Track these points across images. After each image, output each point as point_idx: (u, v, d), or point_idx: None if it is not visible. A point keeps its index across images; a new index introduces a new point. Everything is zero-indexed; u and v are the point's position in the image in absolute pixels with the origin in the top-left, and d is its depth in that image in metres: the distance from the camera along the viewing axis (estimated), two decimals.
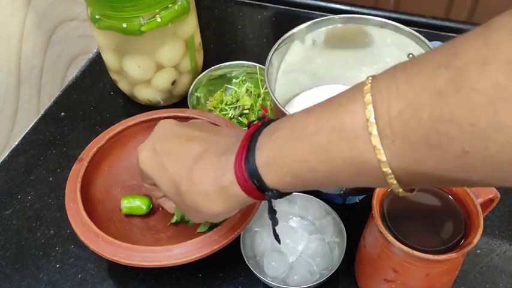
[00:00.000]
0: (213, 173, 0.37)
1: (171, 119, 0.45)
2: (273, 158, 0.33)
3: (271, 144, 0.34)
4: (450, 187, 0.30)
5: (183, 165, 0.39)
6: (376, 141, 0.27)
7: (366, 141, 0.28)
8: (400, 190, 0.30)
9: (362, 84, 0.29)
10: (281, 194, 0.35)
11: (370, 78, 0.29)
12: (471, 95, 0.23)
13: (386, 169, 0.28)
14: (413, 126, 0.26)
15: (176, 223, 0.58)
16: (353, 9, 0.87)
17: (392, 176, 0.28)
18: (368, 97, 0.27)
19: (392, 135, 0.27)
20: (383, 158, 0.27)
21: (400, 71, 0.27)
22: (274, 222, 0.39)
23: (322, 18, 0.59)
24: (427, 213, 0.47)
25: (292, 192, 0.37)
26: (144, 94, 0.72)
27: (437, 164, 0.26)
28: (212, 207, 0.38)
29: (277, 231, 0.41)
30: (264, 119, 0.37)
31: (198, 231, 0.55)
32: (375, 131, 0.27)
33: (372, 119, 0.27)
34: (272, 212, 0.38)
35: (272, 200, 0.36)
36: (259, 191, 0.35)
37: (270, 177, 0.34)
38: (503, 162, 0.24)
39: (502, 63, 0.23)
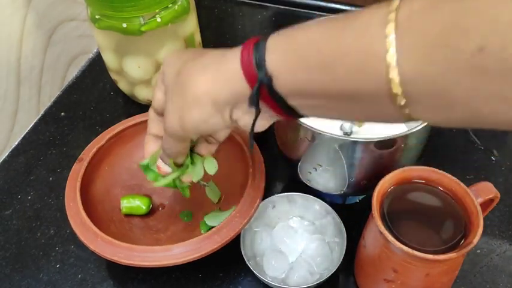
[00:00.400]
0: (222, 52, 0.36)
1: None
2: (283, 35, 0.32)
3: (287, 29, 0.33)
4: (451, 123, 0.28)
5: (200, 58, 0.38)
6: (390, 30, 0.26)
7: (379, 29, 0.27)
8: (400, 92, 0.27)
9: None
10: (272, 89, 0.33)
11: None
12: None
13: (392, 60, 0.26)
14: (433, 19, 0.25)
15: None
16: (353, 9, 0.87)
17: (396, 71, 0.27)
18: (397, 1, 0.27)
19: (409, 28, 0.26)
20: (392, 49, 0.26)
21: None
22: (256, 115, 0.36)
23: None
24: (427, 213, 0.47)
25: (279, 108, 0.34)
26: (144, 94, 0.72)
27: (447, 65, 0.25)
28: (201, 81, 0.36)
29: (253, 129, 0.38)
30: None
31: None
32: (391, 24, 0.26)
33: (392, 15, 0.26)
34: (256, 105, 0.35)
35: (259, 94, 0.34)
36: (256, 67, 0.33)
37: (274, 54, 0.32)
38: None
39: None
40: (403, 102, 0.28)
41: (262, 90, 0.33)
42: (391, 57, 0.26)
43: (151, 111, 0.46)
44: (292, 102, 0.34)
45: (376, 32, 0.27)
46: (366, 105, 0.31)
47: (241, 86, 0.34)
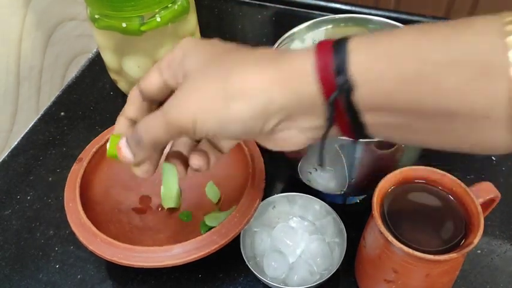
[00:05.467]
0: (274, 50, 0.31)
1: None
2: (369, 38, 0.27)
3: (370, 34, 0.28)
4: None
5: (246, 52, 0.31)
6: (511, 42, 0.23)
7: (497, 40, 0.24)
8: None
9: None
10: (349, 100, 0.27)
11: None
12: None
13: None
14: None
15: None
16: (353, 9, 0.87)
17: None
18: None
19: None
20: None
21: None
22: (327, 129, 0.30)
23: (322, 18, 0.59)
24: (427, 213, 0.47)
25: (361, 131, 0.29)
26: None
27: None
28: (253, 76, 0.28)
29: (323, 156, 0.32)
30: None
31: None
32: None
33: (511, 27, 0.24)
34: (330, 117, 0.29)
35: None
36: (335, 71, 0.27)
37: (359, 57, 0.27)
38: None
39: None
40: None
41: (338, 100, 0.27)
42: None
43: (135, 92, 0.38)
44: (368, 118, 0.28)
45: (494, 42, 0.24)
46: (466, 127, 0.26)
47: (310, 93, 0.28)
